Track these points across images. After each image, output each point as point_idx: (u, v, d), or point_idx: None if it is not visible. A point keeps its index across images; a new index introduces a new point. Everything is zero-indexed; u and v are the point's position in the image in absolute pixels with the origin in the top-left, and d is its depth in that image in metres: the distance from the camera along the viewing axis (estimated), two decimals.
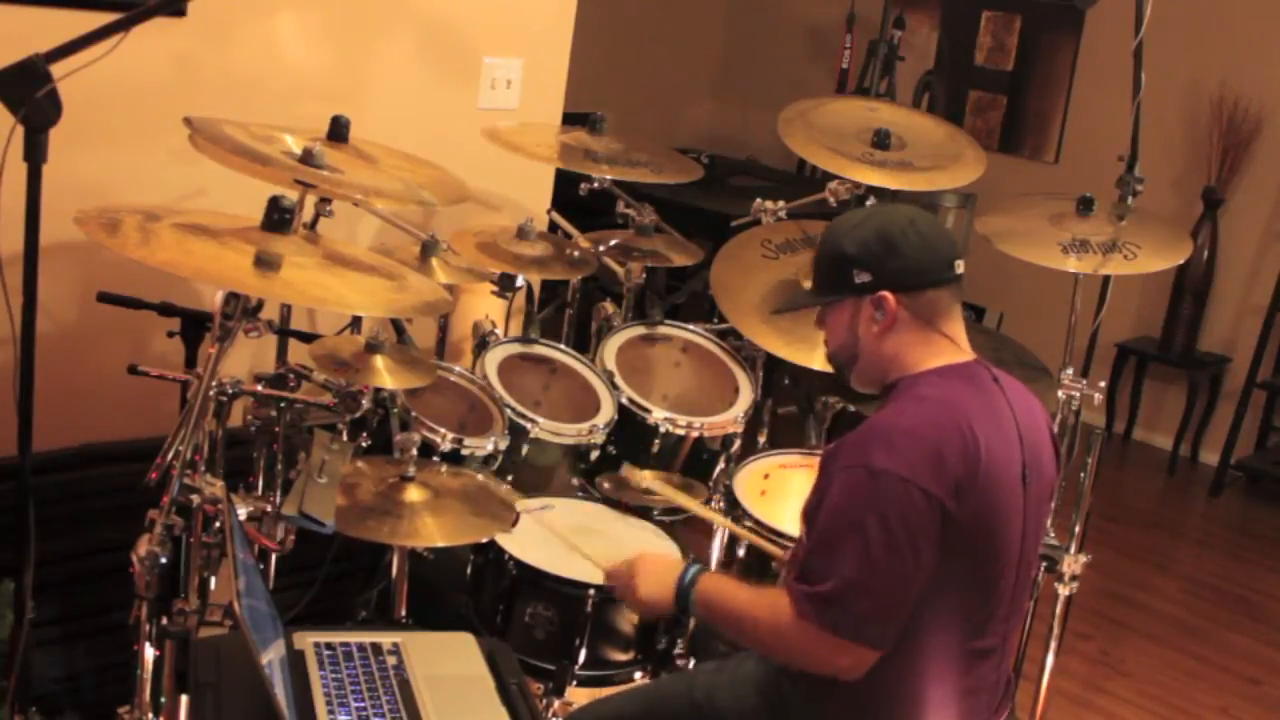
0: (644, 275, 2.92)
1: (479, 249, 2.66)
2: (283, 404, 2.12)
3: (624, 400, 2.60)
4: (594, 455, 2.55)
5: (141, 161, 2.46)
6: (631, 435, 2.59)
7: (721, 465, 2.69)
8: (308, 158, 1.92)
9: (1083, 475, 2.65)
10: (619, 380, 2.64)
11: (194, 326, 2.18)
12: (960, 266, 1.81)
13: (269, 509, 2.06)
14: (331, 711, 1.70)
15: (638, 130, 3.33)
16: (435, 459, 2.31)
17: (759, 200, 2.92)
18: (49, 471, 2.27)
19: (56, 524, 2.20)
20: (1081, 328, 2.71)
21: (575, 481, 2.59)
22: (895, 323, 1.79)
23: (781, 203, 2.91)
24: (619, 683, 2.21)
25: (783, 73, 6.46)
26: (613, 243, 2.95)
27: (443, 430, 2.34)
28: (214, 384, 1.95)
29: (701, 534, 2.57)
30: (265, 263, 1.66)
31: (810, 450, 2.71)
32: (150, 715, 1.85)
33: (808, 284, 2.61)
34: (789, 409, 3.40)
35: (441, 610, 2.32)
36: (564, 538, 2.24)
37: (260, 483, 2.15)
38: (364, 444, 2.33)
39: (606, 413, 2.56)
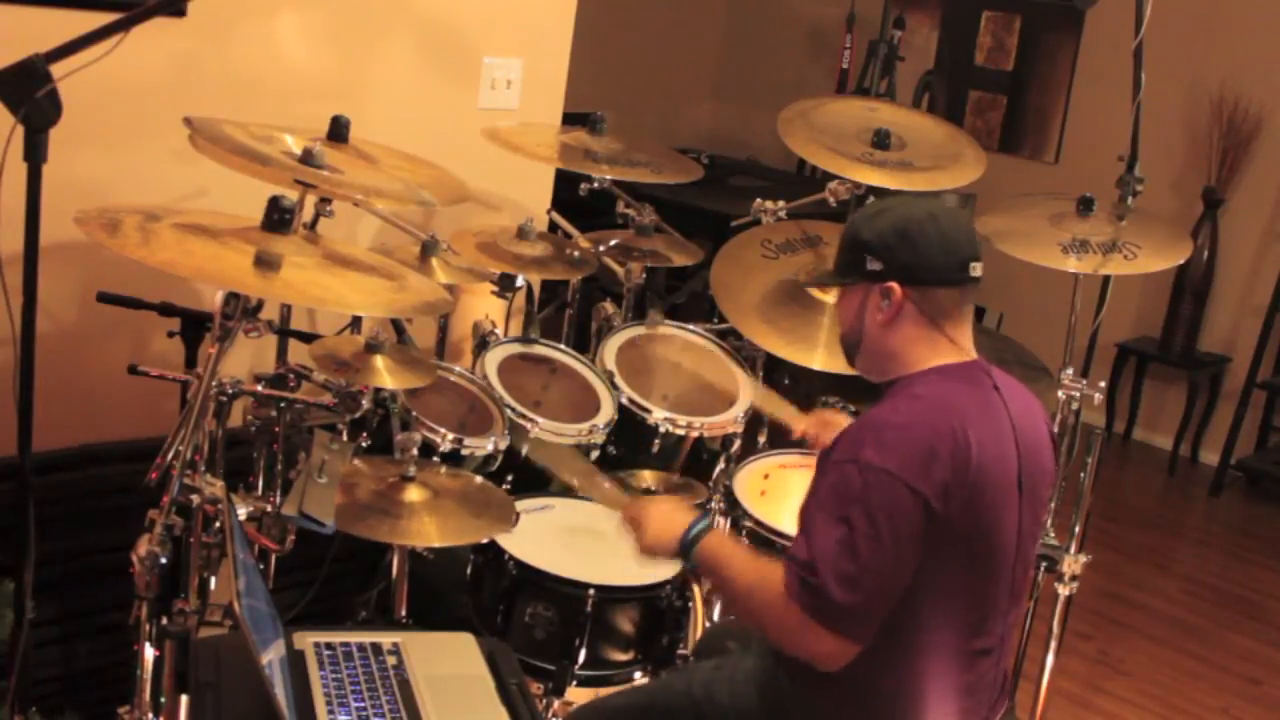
0: (644, 275, 2.92)
1: (479, 249, 2.66)
2: (283, 404, 2.12)
3: (624, 400, 2.60)
4: (594, 455, 2.55)
5: (141, 161, 2.46)
6: (631, 435, 2.59)
7: (721, 465, 2.69)
8: (308, 158, 1.92)
9: (1083, 475, 2.65)
10: (619, 380, 2.64)
11: (194, 326, 2.18)
12: (977, 269, 1.80)
13: (269, 509, 2.06)
14: (331, 711, 1.70)
15: (638, 130, 3.33)
16: (435, 459, 2.31)
17: (759, 200, 2.92)
18: (49, 471, 2.27)
19: (56, 524, 2.20)
20: (1081, 328, 2.71)
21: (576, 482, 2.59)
22: (900, 315, 1.79)
23: (781, 203, 2.91)
24: (619, 683, 2.22)
25: (783, 73, 6.46)
26: (613, 243, 2.95)
27: (443, 430, 2.34)
28: (214, 384, 1.95)
29: None
30: (265, 263, 1.66)
31: (810, 450, 2.71)
32: (150, 715, 1.85)
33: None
34: None
35: (441, 610, 2.32)
36: (574, 480, 2.22)
37: (260, 483, 2.15)
38: (364, 444, 2.33)
39: (606, 413, 2.56)
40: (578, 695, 2.15)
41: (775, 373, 3.00)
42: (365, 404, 2.22)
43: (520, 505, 2.29)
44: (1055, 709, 3.25)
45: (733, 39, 6.71)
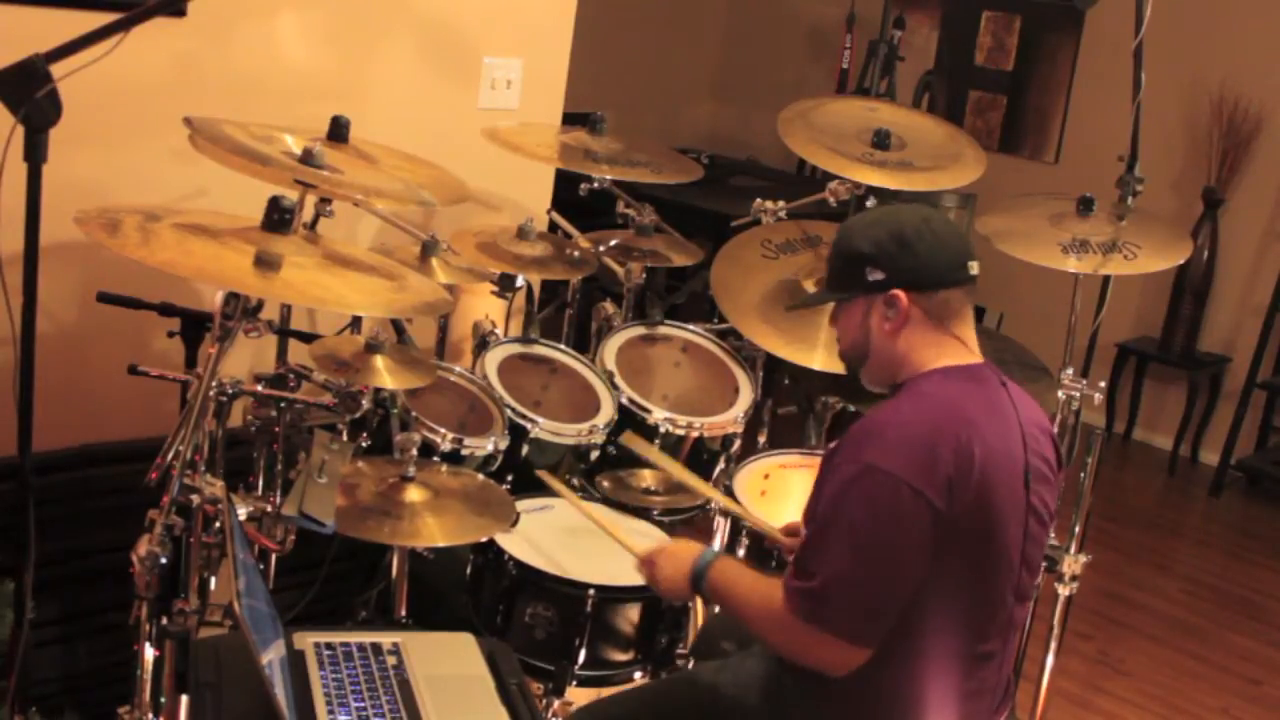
0: (644, 275, 2.92)
1: (479, 249, 2.66)
2: (283, 404, 2.12)
3: (624, 400, 2.60)
4: (594, 455, 2.55)
5: (141, 161, 2.46)
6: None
7: (721, 465, 2.69)
8: (308, 158, 1.92)
9: (1083, 475, 2.65)
10: (619, 380, 2.64)
11: (194, 326, 2.18)
12: (975, 267, 1.81)
13: (269, 509, 2.06)
14: (331, 711, 1.70)
15: (638, 130, 3.33)
16: (435, 459, 2.31)
17: (759, 200, 2.92)
18: (49, 471, 2.27)
19: (56, 524, 2.20)
20: (1081, 328, 2.71)
21: (575, 481, 2.59)
22: (907, 322, 1.79)
23: (781, 203, 2.91)
24: (619, 683, 2.22)
25: (783, 73, 6.46)
26: (613, 243, 2.95)
27: (443, 430, 2.34)
28: (214, 384, 1.95)
29: (701, 534, 2.57)
30: (265, 263, 1.66)
31: (810, 450, 2.71)
32: (150, 715, 1.85)
33: (809, 284, 2.63)
34: (789, 409, 3.40)
35: (441, 610, 2.32)
36: (601, 523, 2.22)
37: (260, 483, 2.15)
38: (364, 444, 2.34)
39: (606, 413, 2.56)
40: (578, 695, 2.15)
41: (775, 373, 3.00)
42: (365, 404, 2.22)
43: (520, 505, 2.29)
44: (1055, 709, 3.25)
45: (733, 39, 6.71)
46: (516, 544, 2.23)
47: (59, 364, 2.35)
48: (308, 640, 1.84)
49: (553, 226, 3.14)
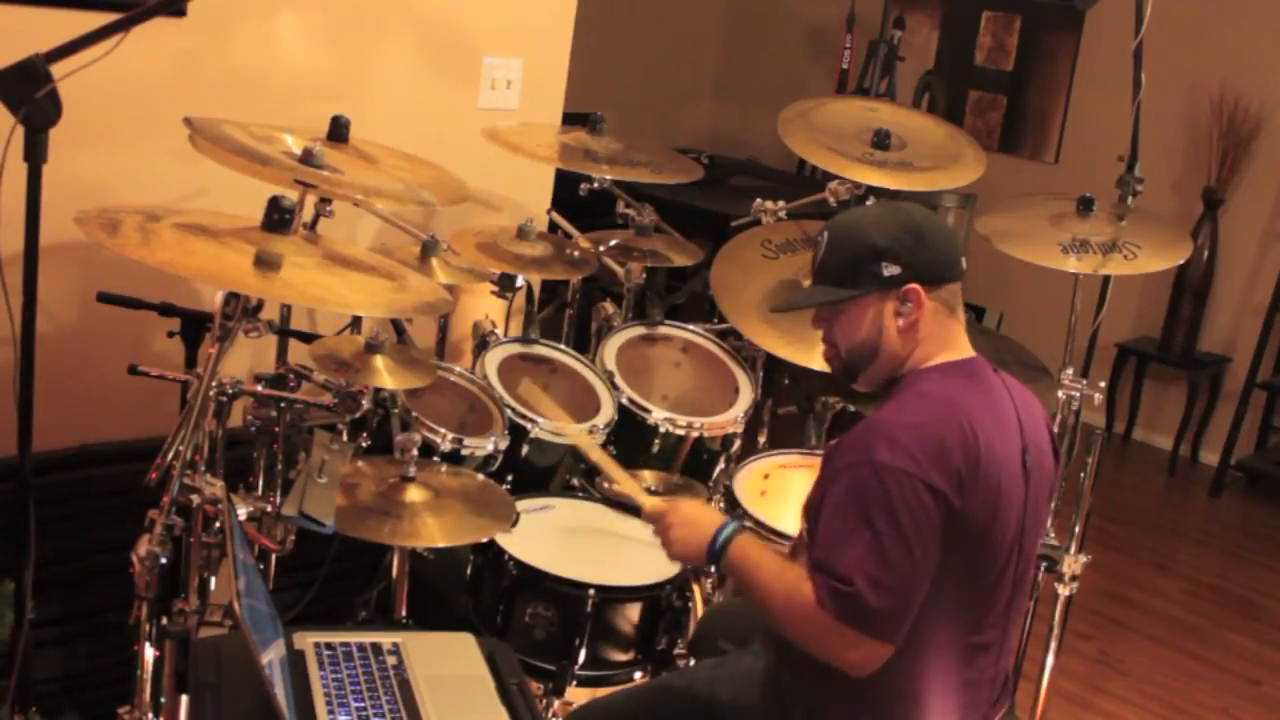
0: (644, 275, 2.92)
1: (479, 249, 2.67)
2: (283, 404, 2.12)
3: (624, 400, 2.60)
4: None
5: (141, 161, 2.46)
6: (631, 435, 2.59)
7: (721, 465, 2.69)
8: (308, 158, 1.92)
9: (1083, 475, 2.65)
10: (619, 380, 2.64)
11: (194, 327, 2.18)
12: (965, 262, 1.84)
13: (269, 509, 2.06)
14: (331, 711, 1.70)
15: (638, 130, 3.33)
16: (435, 459, 2.31)
17: (759, 200, 2.92)
18: (49, 471, 2.27)
19: (56, 524, 2.20)
20: (1081, 328, 2.71)
21: (575, 481, 2.60)
22: (921, 316, 1.78)
23: (781, 203, 2.91)
24: (619, 683, 2.22)
25: (783, 73, 6.46)
26: (613, 243, 2.95)
27: (443, 430, 2.34)
28: (214, 384, 1.95)
29: None
30: (265, 263, 1.66)
31: (810, 450, 2.71)
32: (150, 715, 1.85)
33: (808, 283, 2.60)
34: (789, 409, 3.40)
35: (441, 610, 2.32)
36: (604, 466, 2.16)
37: (260, 483, 2.15)
38: (364, 444, 2.34)
39: (606, 413, 2.56)
40: (578, 695, 2.15)
41: (775, 373, 3.00)
42: (365, 404, 2.22)
43: (520, 505, 2.29)
44: (1055, 709, 3.25)
45: (733, 39, 6.71)
46: (516, 544, 2.23)
47: (59, 364, 2.35)
48: (308, 640, 1.84)
49: (553, 226, 3.14)
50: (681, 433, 2.59)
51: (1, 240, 1.93)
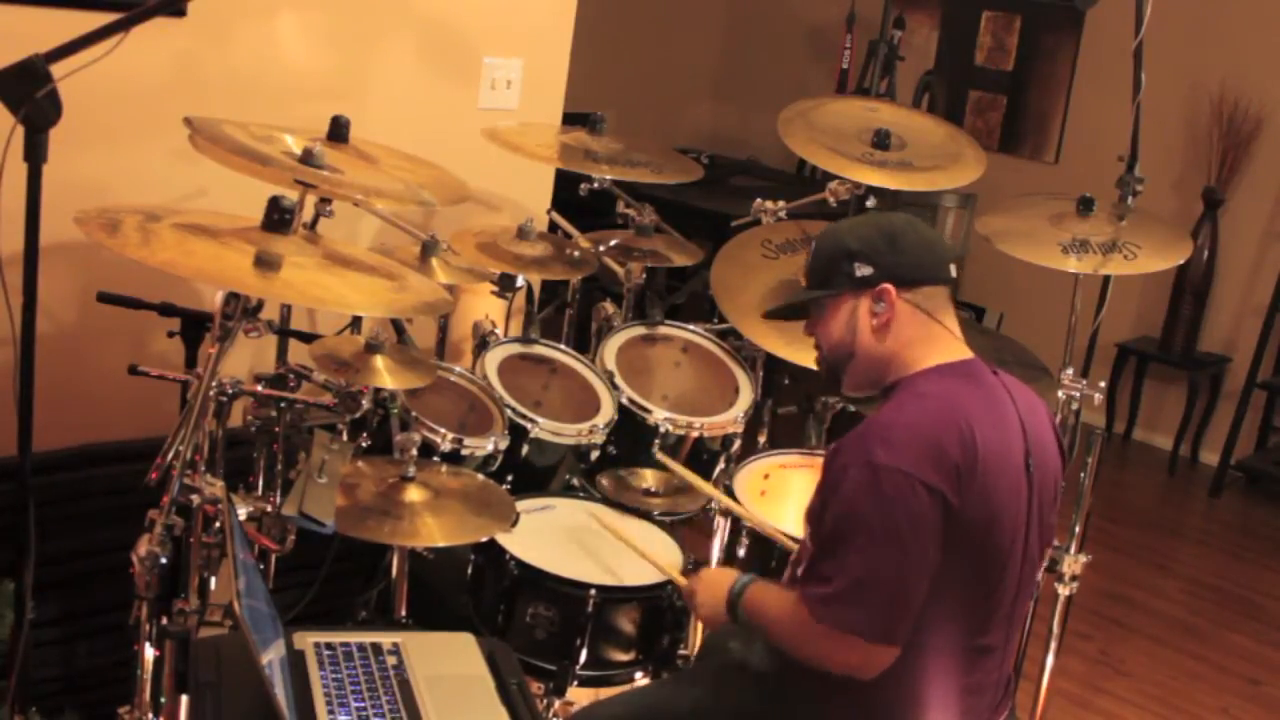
0: (644, 275, 2.92)
1: (479, 249, 2.66)
2: (283, 404, 2.12)
3: (624, 400, 2.60)
4: (594, 455, 2.55)
5: (141, 161, 2.46)
6: (631, 435, 2.59)
7: (721, 465, 2.69)
8: (308, 158, 1.92)
9: (1083, 475, 2.65)
10: (619, 380, 2.64)
11: (194, 326, 2.18)
12: (954, 270, 1.85)
13: (269, 509, 2.06)
14: (331, 711, 1.70)
15: (638, 130, 3.33)
16: (435, 459, 2.31)
17: (759, 200, 2.92)
18: (49, 471, 2.27)
19: (56, 524, 2.20)
20: (1081, 328, 2.71)
21: (575, 481, 2.59)
22: (895, 317, 1.80)
23: (781, 203, 2.91)
24: (619, 683, 2.21)
25: (783, 73, 6.46)
26: (613, 243, 2.95)
27: (443, 430, 2.34)
28: (214, 384, 1.95)
29: (701, 534, 2.57)
30: (265, 263, 1.66)
31: (810, 450, 2.71)
32: (150, 715, 1.85)
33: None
34: (789, 409, 3.40)
35: (441, 610, 2.32)
36: (632, 543, 2.23)
37: (260, 483, 2.15)
38: (364, 444, 2.33)
39: (606, 413, 2.56)
40: (578, 695, 2.15)
41: (775, 373, 3.00)
42: (365, 404, 2.22)
43: (520, 505, 2.29)
44: (1055, 709, 3.25)
45: (733, 39, 6.71)
46: (517, 544, 2.23)
47: (59, 364, 2.34)
48: (308, 640, 1.84)
49: (553, 226, 3.14)
50: (681, 433, 2.59)
51: (1, 240, 1.93)
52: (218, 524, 1.87)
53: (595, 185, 2.85)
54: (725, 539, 2.51)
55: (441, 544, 2.10)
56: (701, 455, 2.64)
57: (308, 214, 2.30)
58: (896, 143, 2.77)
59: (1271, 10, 5.04)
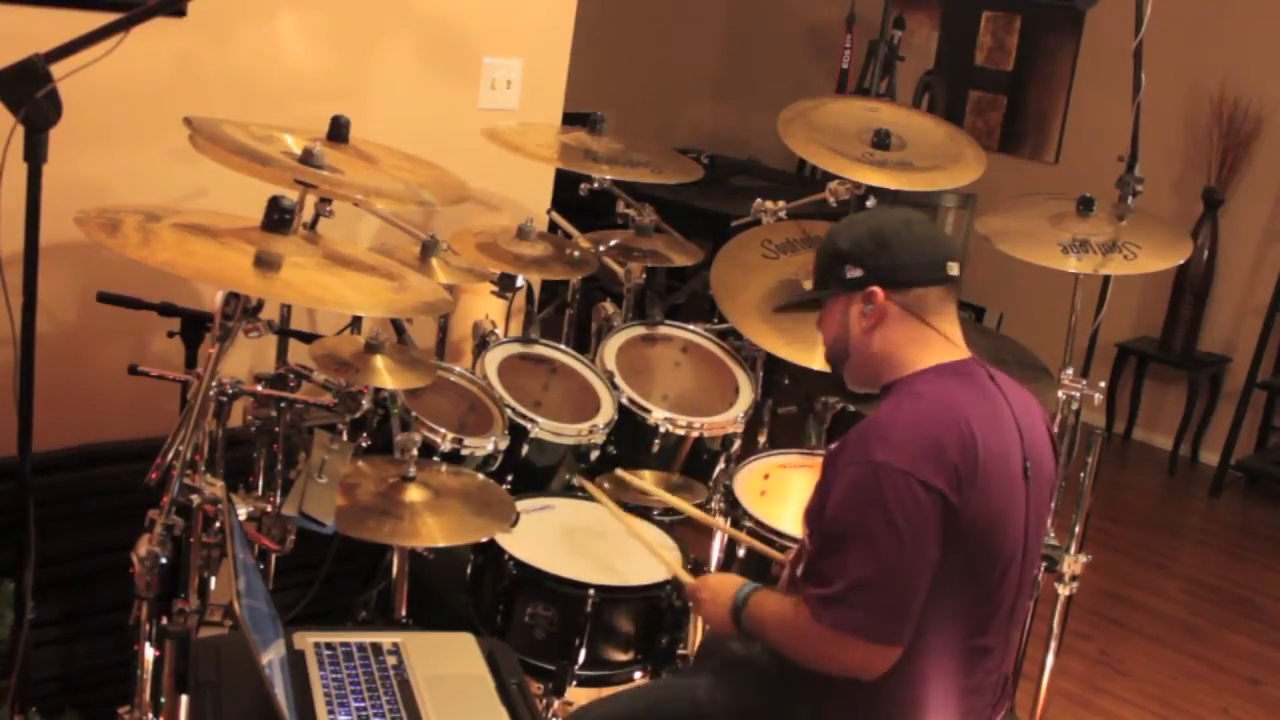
0: (644, 275, 2.92)
1: (479, 249, 2.66)
2: (283, 404, 2.12)
3: (624, 400, 2.60)
4: (594, 455, 2.55)
5: (141, 161, 2.46)
6: (631, 435, 2.59)
7: (721, 465, 2.69)
8: (308, 158, 1.92)
9: (1083, 475, 2.65)
10: (619, 380, 2.64)
11: (194, 327, 2.18)
12: (954, 268, 1.83)
13: (269, 509, 2.06)
14: (331, 711, 1.70)
15: (638, 130, 3.33)
16: (435, 459, 2.31)
17: (759, 200, 2.92)
18: (49, 471, 2.27)
19: (56, 524, 2.20)
20: (1081, 328, 2.71)
21: (575, 481, 2.59)
22: (884, 318, 1.81)
23: (781, 203, 2.91)
24: (619, 683, 2.22)
25: (783, 73, 6.46)
26: (613, 243, 2.95)
27: (443, 430, 2.34)
28: (214, 384, 1.95)
29: (702, 535, 2.57)
30: (265, 263, 1.66)
31: (810, 450, 2.71)
32: (150, 715, 1.85)
33: (808, 284, 2.63)
34: (789, 409, 3.40)
35: (441, 610, 2.32)
36: (652, 548, 2.22)
37: (260, 483, 2.15)
38: (364, 444, 2.33)
39: (606, 413, 2.56)
40: (578, 695, 2.15)
41: (775, 373, 3.00)
42: (365, 404, 2.22)
43: (520, 505, 2.29)
44: (1055, 709, 3.26)
45: (733, 39, 6.71)
46: (516, 544, 2.23)
47: (59, 364, 2.35)
48: (308, 640, 1.84)
49: (553, 226, 3.14)
50: (681, 433, 2.59)
51: (1, 240, 1.93)
52: (218, 524, 1.87)
53: (595, 185, 2.85)
54: (725, 539, 2.51)
55: (441, 544, 2.10)
56: (701, 455, 2.64)
57: (308, 214, 2.30)
58: (896, 143, 2.77)
59: (1271, 10, 5.04)
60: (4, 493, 1.98)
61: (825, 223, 2.89)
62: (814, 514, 1.77)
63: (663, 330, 2.86)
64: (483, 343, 2.67)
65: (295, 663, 1.78)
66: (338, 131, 2.20)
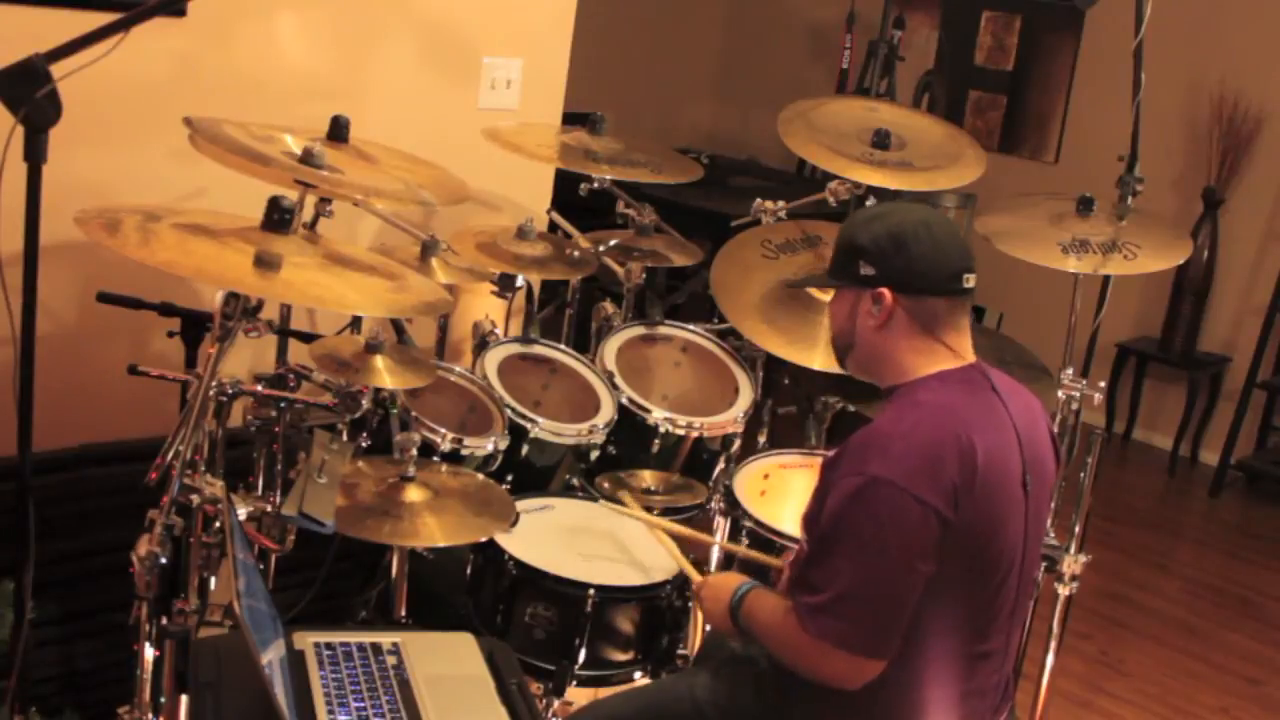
0: (644, 275, 2.92)
1: (479, 249, 2.66)
2: (283, 404, 2.12)
3: (624, 400, 2.60)
4: (594, 455, 2.55)
5: (141, 161, 2.46)
6: (631, 435, 2.59)
7: (721, 465, 2.69)
8: (308, 158, 1.92)
9: (1083, 475, 2.65)
10: (619, 380, 2.64)
11: (194, 326, 2.18)
12: (970, 280, 1.79)
13: (269, 509, 2.06)
14: (331, 711, 1.70)
15: (638, 130, 3.33)
16: (435, 459, 2.31)
17: (759, 200, 2.92)
18: (49, 471, 2.27)
19: (56, 524, 2.20)
20: (1081, 328, 2.71)
21: (575, 481, 2.59)
22: (891, 321, 1.79)
23: (781, 203, 2.91)
24: (619, 683, 2.21)
25: (783, 73, 6.46)
26: (613, 243, 2.95)
27: (443, 430, 2.34)
28: (214, 384, 1.95)
29: (703, 533, 2.57)
30: (265, 263, 1.66)
31: (810, 450, 2.71)
32: (150, 715, 1.85)
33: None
34: (789, 409, 3.40)
35: (441, 610, 2.32)
36: (671, 549, 2.23)
37: (260, 483, 2.15)
38: (364, 444, 2.33)
39: (606, 413, 2.56)
40: (578, 695, 2.15)
41: (775, 373, 3.00)
42: (365, 404, 2.22)
43: (520, 505, 2.29)
44: (1055, 709, 3.25)
45: (733, 39, 6.71)
46: (516, 544, 2.23)
47: (59, 364, 2.35)
48: (308, 640, 1.84)
49: (553, 226, 3.14)
50: (681, 433, 2.59)
51: (1, 240, 1.93)
52: (218, 524, 1.87)
53: (595, 185, 2.85)
54: (725, 539, 2.51)
55: (441, 544, 2.10)
56: (701, 455, 2.64)
57: (308, 214, 2.30)
58: (896, 142, 2.77)
59: (1271, 10, 5.04)
60: (4, 493, 1.98)
61: (825, 223, 2.91)
62: (811, 519, 1.77)
63: (663, 330, 2.86)
64: (483, 343, 2.67)
65: (295, 663, 1.78)
66: (338, 131, 2.20)
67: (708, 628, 2.34)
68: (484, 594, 2.27)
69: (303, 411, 2.16)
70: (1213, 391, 5.31)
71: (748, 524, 2.40)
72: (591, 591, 2.16)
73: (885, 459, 1.66)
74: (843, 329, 1.87)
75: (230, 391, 2.03)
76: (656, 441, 2.58)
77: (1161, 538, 4.67)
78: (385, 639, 1.89)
